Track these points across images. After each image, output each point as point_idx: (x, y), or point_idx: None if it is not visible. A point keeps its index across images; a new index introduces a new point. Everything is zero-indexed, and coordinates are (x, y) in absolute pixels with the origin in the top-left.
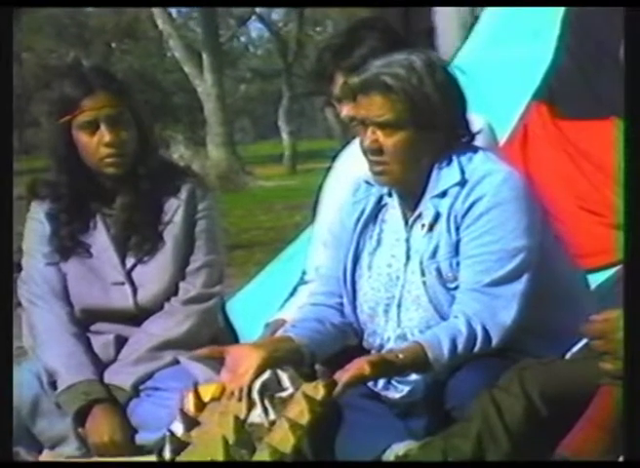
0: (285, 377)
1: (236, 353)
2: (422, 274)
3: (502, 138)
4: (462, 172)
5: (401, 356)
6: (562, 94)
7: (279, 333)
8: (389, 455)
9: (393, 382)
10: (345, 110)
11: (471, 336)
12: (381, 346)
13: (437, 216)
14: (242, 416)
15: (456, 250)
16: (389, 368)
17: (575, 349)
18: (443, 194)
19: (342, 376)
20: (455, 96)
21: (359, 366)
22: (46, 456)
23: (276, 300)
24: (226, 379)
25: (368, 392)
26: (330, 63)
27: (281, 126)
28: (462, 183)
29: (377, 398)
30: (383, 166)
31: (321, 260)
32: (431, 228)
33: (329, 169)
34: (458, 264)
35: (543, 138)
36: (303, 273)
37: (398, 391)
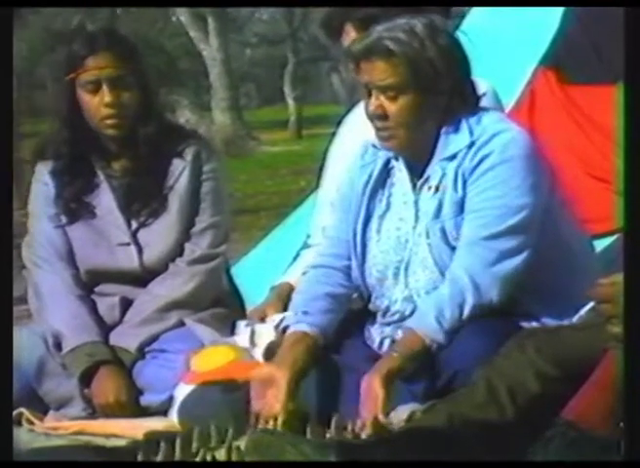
0: None
1: (260, 378)
2: (427, 236)
3: (510, 104)
4: (471, 133)
5: (396, 354)
6: (569, 59)
7: (293, 328)
8: (393, 418)
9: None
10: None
11: (456, 294)
12: (388, 308)
13: (443, 178)
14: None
15: (461, 208)
16: (398, 373)
17: (582, 312)
18: (452, 157)
19: (369, 413)
20: (458, 59)
21: (374, 395)
22: (51, 417)
23: (281, 264)
24: (258, 407)
25: (371, 355)
26: (341, 14)
27: (286, 91)
28: (472, 144)
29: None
30: (389, 131)
31: (328, 221)
32: (437, 189)
33: (334, 134)
34: (461, 220)
35: (551, 104)
36: (308, 237)
37: None
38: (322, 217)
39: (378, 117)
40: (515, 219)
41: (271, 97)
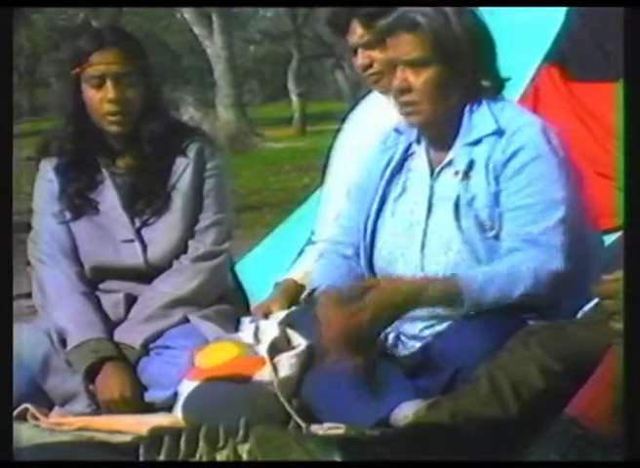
0: (294, 335)
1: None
2: (457, 219)
3: (514, 100)
4: (496, 120)
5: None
6: (573, 56)
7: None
8: (398, 415)
9: (403, 339)
10: (361, 59)
11: (513, 274)
12: None
13: (471, 164)
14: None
15: (495, 199)
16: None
17: (585, 309)
18: (477, 142)
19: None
20: (483, 40)
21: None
22: (56, 413)
23: (285, 261)
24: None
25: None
26: (347, 12)
27: (290, 88)
28: (499, 133)
29: (385, 357)
30: (413, 106)
31: (343, 210)
32: (467, 175)
33: (338, 130)
34: (499, 214)
35: (554, 100)
36: (312, 234)
37: (407, 348)
38: (335, 206)
39: (402, 91)
40: (559, 213)
41: (275, 94)
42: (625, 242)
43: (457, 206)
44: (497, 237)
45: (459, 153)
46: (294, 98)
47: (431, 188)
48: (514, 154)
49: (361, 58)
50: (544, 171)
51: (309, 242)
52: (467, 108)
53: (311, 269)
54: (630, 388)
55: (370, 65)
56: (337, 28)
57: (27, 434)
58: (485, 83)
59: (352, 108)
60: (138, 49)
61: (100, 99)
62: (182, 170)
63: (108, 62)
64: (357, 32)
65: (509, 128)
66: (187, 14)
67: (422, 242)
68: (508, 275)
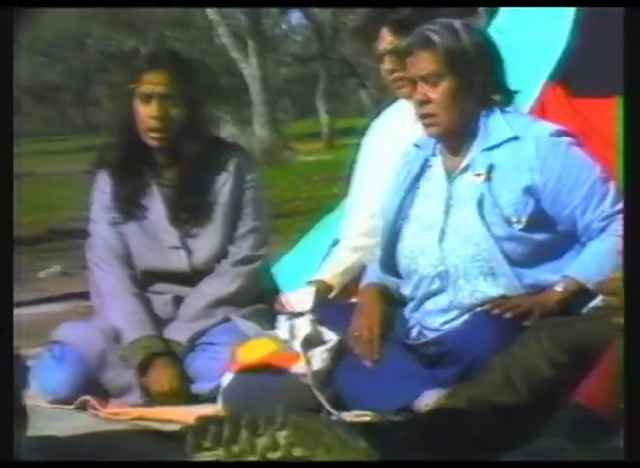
0: (325, 331)
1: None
2: (482, 216)
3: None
4: (512, 127)
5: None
6: (577, 72)
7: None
8: (420, 403)
9: (424, 332)
10: (388, 64)
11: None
12: (420, 281)
13: (491, 167)
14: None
15: (522, 197)
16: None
17: (590, 305)
18: (495, 147)
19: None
20: (491, 54)
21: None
22: (112, 404)
23: (315, 263)
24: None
25: (397, 344)
26: (376, 19)
27: (319, 105)
28: (518, 138)
29: (405, 349)
30: (432, 117)
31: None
32: (488, 177)
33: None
34: (567, 214)
35: (559, 116)
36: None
37: (428, 340)
38: (361, 211)
39: (422, 103)
40: (611, 182)
41: (305, 111)
42: (625, 241)
43: (480, 204)
44: (524, 230)
45: (477, 158)
46: (322, 115)
47: (448, 192)
48: (548, 157)
49: (388, 64)
50: (578, 159)
51: (334, 243)
52: (482, 117)
53: (339, 270)
54: (629, 388)
55: (396, 70)
56: (365, 38)
57: (87, 423)
58: (495, 97)
59: (373, 118)
60: (188, 72)
61: (147, 115)
62: (223, 183)
63: (157, 82)
64: (387, 39)
65: (529, 133)
66: (225, 38)
67: (440, 238)
68: (609, 249)
